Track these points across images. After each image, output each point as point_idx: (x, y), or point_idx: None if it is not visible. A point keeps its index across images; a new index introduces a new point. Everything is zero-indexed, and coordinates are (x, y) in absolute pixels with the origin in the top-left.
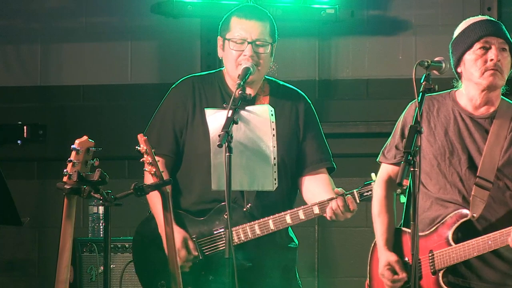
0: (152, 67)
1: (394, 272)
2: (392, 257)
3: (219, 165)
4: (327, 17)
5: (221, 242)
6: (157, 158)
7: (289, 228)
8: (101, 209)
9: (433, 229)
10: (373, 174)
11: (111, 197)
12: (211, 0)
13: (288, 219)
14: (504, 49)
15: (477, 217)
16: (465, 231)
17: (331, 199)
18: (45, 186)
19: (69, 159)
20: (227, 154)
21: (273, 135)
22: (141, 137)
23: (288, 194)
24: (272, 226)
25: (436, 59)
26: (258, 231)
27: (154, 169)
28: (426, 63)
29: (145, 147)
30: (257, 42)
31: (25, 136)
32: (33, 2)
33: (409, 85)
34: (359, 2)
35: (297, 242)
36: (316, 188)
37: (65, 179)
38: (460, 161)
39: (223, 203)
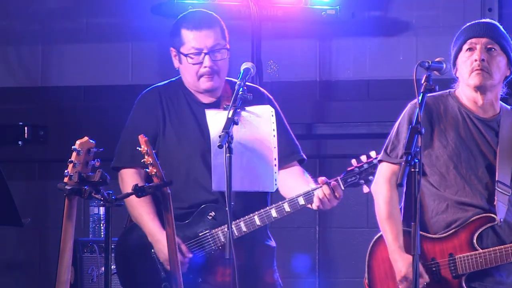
0: (153, 68)
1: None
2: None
3: (219, 166)
4: (328, 18)
5: (207, 244)
6: (134, 170)
7: (267, 228)
8: (102, 209)
9: (451, 232)
10: (353, 160)
11: (112, 198)
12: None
13: (274, 213)
14: (492, 49)
15: (502, 222)
16: (485, 236)
17: (316, 188)
18: (46, 187)
19: (70, 160)
20: (228, 155)
21: (274, 135)
22: (141, 138)
23: (262, 192)
24: (258, 222)
25: (436, 59)
26: (244, 228)
27: (155, 170)
28: (426, 64)
29: (145, 148)
30: (214, 50)
31: (26, 137)
32: (33, 3)
33: (410, 86)
34: (360, 3)
35: (274, 243)
36: (292, 181)
37: (66, 180)
38: (476, 163)
39: (205, 205)
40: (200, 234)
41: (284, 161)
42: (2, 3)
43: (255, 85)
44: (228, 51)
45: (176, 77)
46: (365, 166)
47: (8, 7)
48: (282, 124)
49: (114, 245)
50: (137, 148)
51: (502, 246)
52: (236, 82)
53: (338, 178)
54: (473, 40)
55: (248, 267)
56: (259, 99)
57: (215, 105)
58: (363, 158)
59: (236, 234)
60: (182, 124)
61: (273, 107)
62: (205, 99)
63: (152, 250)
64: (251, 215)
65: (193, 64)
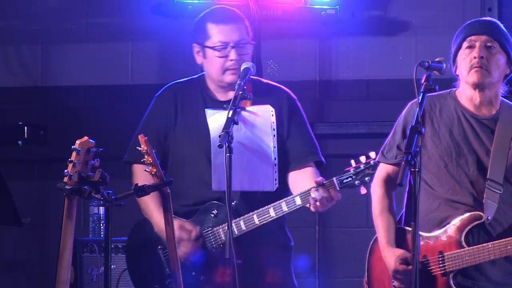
0: (152, 67)
1: (408, 264)
2: (401, 251)
3: (219, 165)
4: (328, 17)
5: (208, 241)
6: (144, 166)
7: (285, 226)
8: (101, 209)
9: (442, 230)
10: (352, 161)
11: (112, 198)
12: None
13: (272, 212)
14: (491, 46)
15: (490, 220)
16: (476, 234)
17: (311, 189)
18: (45, 187)
19: (69, 159)
20: (228, 154)
21: (274, 135)
22: (141, 138)
23: (276, 191)
24: (256, 221)
25: (436, 59)
26: (243, 227)
27: (154, 170)
28: (426, 64)
29: (145, 148)
30: (240, 45)
31: (25, 136)
32: (34, 3)
33: (409, 85)
34: (360, 2)
35: (292, 241)
36: (302, 182)
37: (65, 179)
38: (467, 162)
39: (208, 202)
40: (202, 232)
41: (298, 162)
42: (2, 3)
43: (279, 85)
44: (253, 47)
45: (198, 74)
46: (362, 167)
47: (8, 7)
48: (301, 124)
49: (127, 238)
50: (137, 147)
51: (487, 243)
52: (260, 81)
53: (334, 178)
54: (473, 37)
55: (252, 266)
56: (278, 98)
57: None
58: (362, 158)
59: (236, 233)
60: (194, 122)
61: (296, 106)
62: (223, 96)
63: (159, 247)
64: (251, 213)
65: (219, 57)
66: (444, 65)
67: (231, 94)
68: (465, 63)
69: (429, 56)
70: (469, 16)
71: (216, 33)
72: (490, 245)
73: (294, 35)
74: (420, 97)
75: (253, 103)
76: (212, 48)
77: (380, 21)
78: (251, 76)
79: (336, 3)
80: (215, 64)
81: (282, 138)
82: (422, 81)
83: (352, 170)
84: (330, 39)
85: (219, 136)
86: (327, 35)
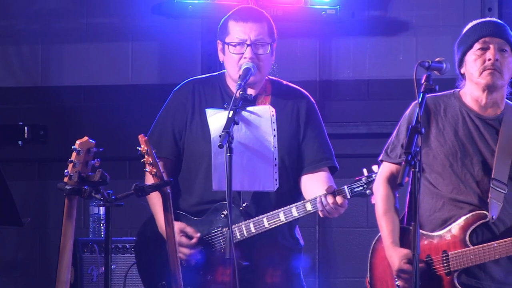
0: (153, 67)
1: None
2: (406, 251)
3: (219, 165)
4: (328, 17)
5: (217, 241)
6: (157, 160)
7: (296, 228)
8: (102, 209)
9: (446, 229)
10: (364, 170)
11: (112, 198)
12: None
13: (282, 217)
14: (504, 49)
15: (495, 219)
16: (480, 233)
17: (321, 195)
18: (46, 187)
19: (70, 159)
20: (228, 154)
21: (274, 135)
22: (141, 138)
23: (289, 194)
24: (266, 224)
25: (436, 59)
26: (253, 229)
27: (154, 170)
28: (427, 64)
29: (145, 148)
30: (257, 44)
31: (26, 137)
32: (34, 3)
33: (410, 85)
34: (360, 2)
35: (302, 243)
36: (313, 187)
37: (65, 179)
38: (472, 162)
39: (220, 202)
40: (212, 232)
41: (312, 166)
42: (2, 3)
43: (296, 87)
44: (272, 48)
45: (218, 72)
46: (374, 176)
47: (8, 7)
48: (318, 129)
49: (137, 231)
50: (137, 148)
51: (492, 243)
52: (280, 82)
53: (345, 187)
54: (487, 39)
55: (258, 267)
56: (297, 101)
57: (252, 101)
58: (374, 168)
59: (245, 234)
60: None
61: (314, 110)
62: None
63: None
64: (261, 216)
65: (235, 53)
66: (444, 65)
67: (250, 91)
68: (476, 64)
69: (429, 56)
70: (469, 16)
71: (235, 30)
72: (495, 244)
73: (294, 35)
74: (420, 97)
75: (273, 104)
76: (229, 44)
77: (380, 21)
78: (271, 77)
79: (336, 3)
80: (231, 61)
81: (298, 141)
82: (422, 81)
83: (363, 179)
84: (330, 39)
85: (220, 136)
86: (327, 35)
